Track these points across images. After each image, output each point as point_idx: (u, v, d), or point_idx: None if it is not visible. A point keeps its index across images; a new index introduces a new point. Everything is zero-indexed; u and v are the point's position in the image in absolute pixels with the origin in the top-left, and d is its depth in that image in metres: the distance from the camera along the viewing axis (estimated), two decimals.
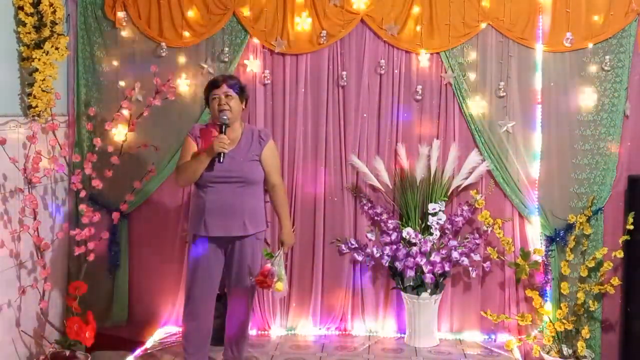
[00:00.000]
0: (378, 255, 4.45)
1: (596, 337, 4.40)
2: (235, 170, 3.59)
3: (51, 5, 3.88)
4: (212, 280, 3.70)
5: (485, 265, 4.48)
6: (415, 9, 4.40)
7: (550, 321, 4.28)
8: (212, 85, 3.67)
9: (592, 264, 4.25)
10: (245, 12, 4.45)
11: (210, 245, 3.65)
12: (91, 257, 4.20)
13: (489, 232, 4.42)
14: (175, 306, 4.59)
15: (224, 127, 3.56)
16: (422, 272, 4.31)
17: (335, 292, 4.62)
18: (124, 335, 4.50)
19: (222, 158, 3.52)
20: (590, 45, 4.31)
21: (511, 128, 4.40)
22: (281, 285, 3.55)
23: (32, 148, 3.86)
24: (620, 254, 4.22)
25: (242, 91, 3.70)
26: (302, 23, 4.44)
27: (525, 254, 4.37)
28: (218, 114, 3.60)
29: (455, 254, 4.36)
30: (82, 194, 4.26)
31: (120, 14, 4.45)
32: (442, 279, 4.39)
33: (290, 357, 4.24)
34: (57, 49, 3.93)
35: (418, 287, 4.36)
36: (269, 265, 3.58)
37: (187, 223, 4.00)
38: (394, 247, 4.39)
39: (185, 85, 4.49)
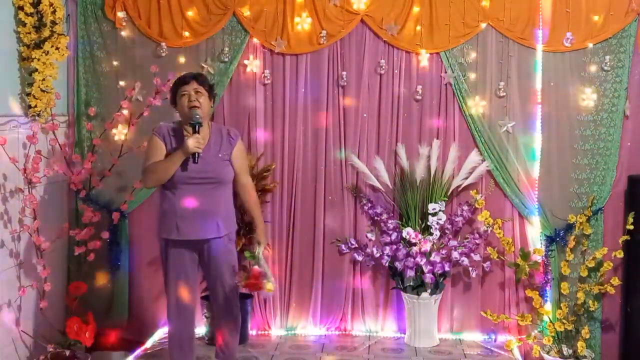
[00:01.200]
0: (378, 255, 4.44)
1: (596, 337, 4.40)
2: (208, 170, 3.47)
3: (51, 5, 3.88)
4: (190, 282, 3.59)
5: (485, 265, 4.48)
6: (415, 9, 4.40)
7: (550, 321, 4.28)
8: (181, 82, 3.55)
9: (592, 264, 4.25)
10: (245, 12, 4.45)
11: (183, 248, 3.52)
12: (91, 257, 4.21)
13: (489, 232, 4.41)
14: None
15: (197, 126, 3.43)
16: (422, 272, 4.31)
17: (335, 292, 4.62)
18: (124, 335, 4.49)
19: (197, 158, 3.40)
20: (590, 45, 4.31)
21: (511, 128, 4.41)
22: (271, 285, 3.48)
23: (32, 148, 3.86)
24: (620, 254, 4.21)
25: (211, 89, 3.62)
26: (302, 23, 4.44)
27: (525, 254, 4.37)
28: (188, 111, 3.48)
29: (455, 254, 4.35)
30: (82, 194, 4.27)
31: (120, 14, 4.45)
32: (442, 279, 4.39)
33: (290, 357, 4.24)
34: (57, 49, 3.93)
35: (418, 287, 4.36)
36: (257, 267, 3.50)
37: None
38: (394, 247, 4.39)
39: None
